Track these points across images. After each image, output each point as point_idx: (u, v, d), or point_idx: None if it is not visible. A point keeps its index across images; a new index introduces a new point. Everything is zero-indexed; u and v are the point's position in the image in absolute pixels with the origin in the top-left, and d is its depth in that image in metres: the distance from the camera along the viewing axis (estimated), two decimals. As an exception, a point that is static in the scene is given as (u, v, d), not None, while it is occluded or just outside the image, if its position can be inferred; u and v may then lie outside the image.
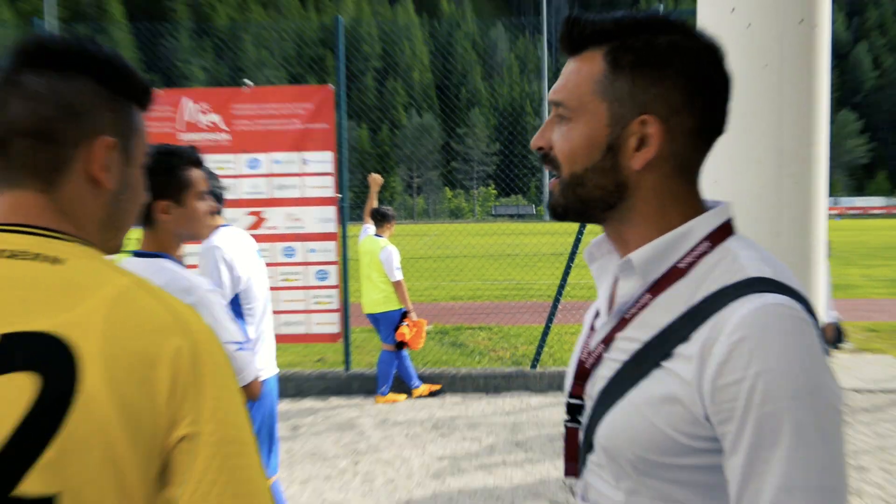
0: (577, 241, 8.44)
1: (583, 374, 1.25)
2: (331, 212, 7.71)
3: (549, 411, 7.45)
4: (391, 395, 7.93)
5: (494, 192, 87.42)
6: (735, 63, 1.18)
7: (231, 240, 3.79)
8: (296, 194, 7.63)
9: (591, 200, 1.18)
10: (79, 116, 1.24)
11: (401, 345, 7.78)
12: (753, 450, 0.98)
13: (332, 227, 7.75)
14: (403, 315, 7.84)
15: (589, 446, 1.22)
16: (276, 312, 5.03)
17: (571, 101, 1.16)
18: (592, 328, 1.30)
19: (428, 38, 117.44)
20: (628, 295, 1.19)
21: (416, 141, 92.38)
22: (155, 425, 1.14)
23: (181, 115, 7.51)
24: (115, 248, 1.39)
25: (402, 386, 8.12)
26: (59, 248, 1.21)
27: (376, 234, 8.01)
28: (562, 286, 8.49)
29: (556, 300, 8.50)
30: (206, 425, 1.16)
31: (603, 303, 1.28)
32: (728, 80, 1.15)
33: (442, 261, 23.28)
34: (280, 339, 5.55)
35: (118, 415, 1.11)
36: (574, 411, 1.29)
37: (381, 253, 7.80)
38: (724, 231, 1.15)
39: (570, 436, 1.30)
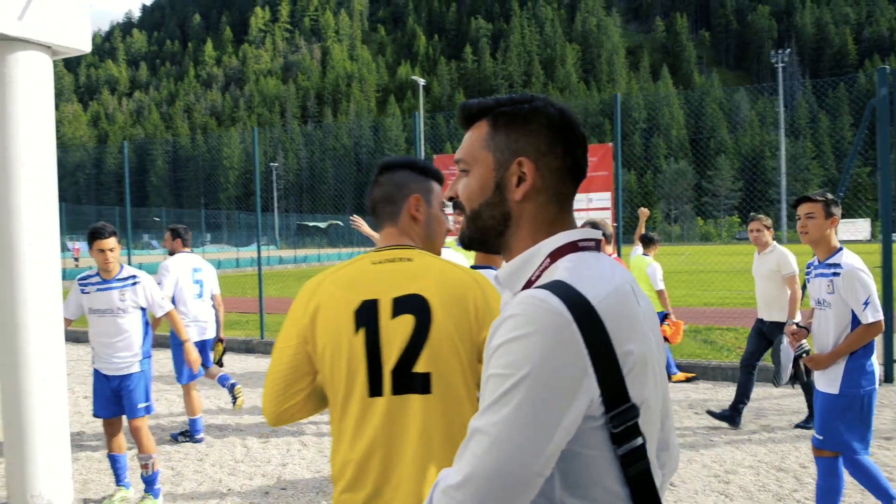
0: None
1: None
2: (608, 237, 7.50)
3: (790, 400, 6.60)
4: (655, 378, 7.48)
5: (738, 220, 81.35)
6: None
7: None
8: (581, 224, 7.52)
9: (487, 229, 1.16)
10: (401, 188, 1.81)
11: (663, 339, 7.32)
12: (483, 396, 0.98)
13: (608, 249, 7.50)
14: (665, 317, 7.38)
15: None
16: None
17: (468, 158, 1.17)
18: None
19: (683, 103, 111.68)
20: (505, 305, 1.14)
21: (673, 182, 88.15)
22: (472, 331, 1.65)
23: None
24: (435, 251, 1.89)
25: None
26: (410, 254, 1.73)
27: (643, 254, 7.63)
28: (801, 296, 7.52)
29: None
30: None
31: None
32: (578, 134, 1.13)
33: (695, 274, 21.85)
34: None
35: (454, 329, 1.63)
36: None
37: (648, 268, 7.41)
38: (566, 249, 1.09)
39: None
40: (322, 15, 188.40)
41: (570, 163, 1.13)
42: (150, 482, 4.40)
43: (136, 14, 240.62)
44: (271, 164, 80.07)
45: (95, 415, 4.38)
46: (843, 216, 9.38)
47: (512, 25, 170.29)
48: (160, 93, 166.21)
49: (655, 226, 72.27)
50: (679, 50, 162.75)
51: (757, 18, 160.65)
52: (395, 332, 1.62)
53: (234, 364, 8.96)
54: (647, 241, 7.69)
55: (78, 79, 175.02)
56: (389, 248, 1.74)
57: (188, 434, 5.79)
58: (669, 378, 7.49)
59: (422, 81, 49.76)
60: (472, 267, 2.70)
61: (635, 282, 1.15)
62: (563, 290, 0.98)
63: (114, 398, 4.40)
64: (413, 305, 1.63)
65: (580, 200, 7.52)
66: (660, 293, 7.37)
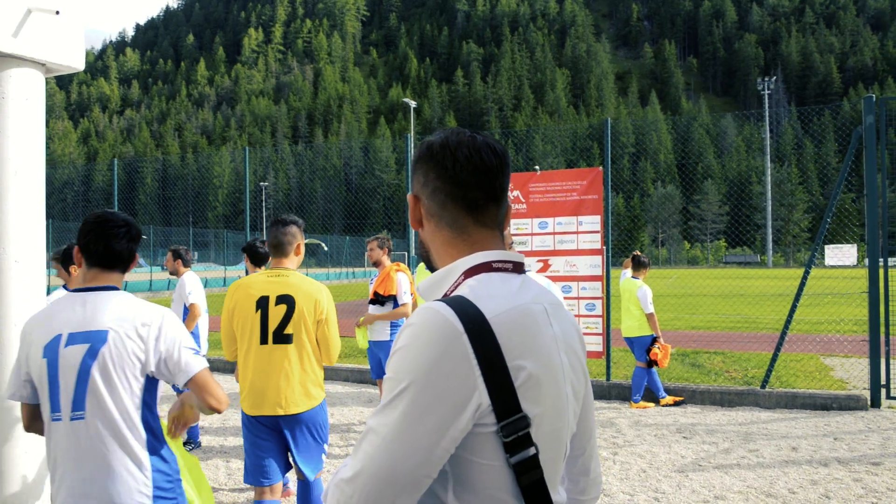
0: (802, 283, 7.48)
1: None
2: (598, 259, 7.52)
3: (778, 425, 6.59)
4: (642, 403, 7.45)
5: (724, 244, 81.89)
6: None
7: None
8: (572, 247, 7.58)
9: (422, 254, 1.26)
10: (291, 238, 3.59)
11: (651, 363, 7.32)
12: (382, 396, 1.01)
13: (598, 270, 7.54)
14: (654, 340, 7.38)
15: None
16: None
17: None
18: None
19: (671, 128, 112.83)
20: None
21: (660, 206, 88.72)
22: (315, 313, 3.41)
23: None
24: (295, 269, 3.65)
25: (651, 396, 7.61)
26: (287, 273, 3.45)
27: (633, 276, 7.65)
28: (788, 320, 7.56)
29: (784, 332, 7.56)
30: (327, 316, 3.44)
31: None
32: (459, 157, 1.16)
33: (682, 298, 21.94)
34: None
35: (307, 309, 3.39)
36: None
37: (639, 291, 7.42)
38: (480, 268, 1.14)
39: None
40: (315, 37, 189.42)
41: (445, 188, 1.17)
42: None
43: (130, 33, 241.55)
44: (261, 183, 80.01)
45: None
46: (830, 242, 9.44)
47: (503, 50, 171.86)
48: (151, 111, 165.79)
49: (642, 249, 72.58)
50: (667, 76, 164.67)
51: (744, 46, 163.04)
52: (277, 313, 3.35)
53: (222, 383, 8.84)
54: (638, 265, 7.70)
55: (69, 96, 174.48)
56: (277, 269, 3.47)
57: (189, 441, 6.03)
58: (657, 402, 7.48)
59: (412, 104, 50.08)
60: None
61: (557, 305, 1.20)
62: (460, 305, 1.03)
63: None
64: (287, 300, 3.36)
65: (570, 224, 7.54)
66: (650, 316, 7.37)
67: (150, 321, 2.13)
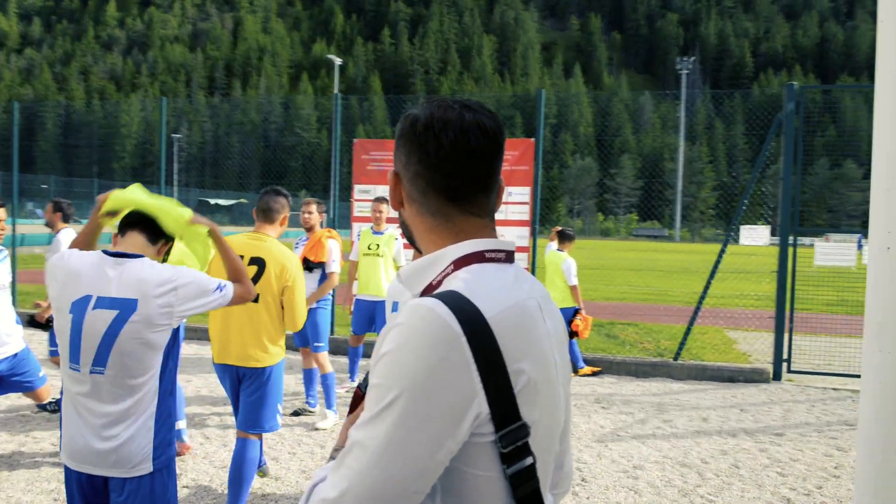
0: (718, 261, 7.76)
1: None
2: (526, 231, 7.57)
3: (689, 396, 6.88)
4: (563, 372, 7.61)
5: (636, 217, 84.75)
6: None
7: None
8: (501, 217, 7.56)
9: (404, 234, 1.18)
10: (281, 206, 3.90)
11: (573, 334, 7.46)
12: (366, 405, 0.94)
13: (525, 242, 7.59)
14: (576, 312, 7.51)
15: None
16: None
17: None
18: None
19: (592, 102, 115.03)
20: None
21: (577, 178, 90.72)
22: (283, 279, 3.65)
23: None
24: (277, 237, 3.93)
25: (570, 366, 7.80)
26: (263, 237, 3.74)
27: (558, 249, 7.74)
28: (703, 296, 7.86)
29: (698, 307, 7.88)
30: (293, 283, 3.65)
31: None
32: (443, 141, 1.04)
33: (597, 270, 22.55)
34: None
35: (275, 273, 3.64)
36: (365, 381, 1.22)
37: (563, 263, 7.52)
38: (472, 258, 1.04)
39: (356, 397, 1.17)
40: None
41: (427, 174, 1.07)
42: None
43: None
44: (174, 135, 76.49)
45: None
46: (745, 223, 9.86)
47: (431, 11, 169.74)
48: (54, 52, 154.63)
49: (558, 220, 74.34)
50: (591, 50, 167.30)
51: (665, 25, 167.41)
52: (249, 272, 3.46)
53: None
54: (564, 237, 7.79)
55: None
56: (258, 233, 3.76)
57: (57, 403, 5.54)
58: (576, 372, 7.66)
59: (338, 60, 48.78)
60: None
61: (547, 298, 1.12)
62: (456, 302, 0.93)
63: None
64: (258, 262, 3.63)
65: (500, 193, 7.55)
66: (573, 288, 7.50)
67: (173, 285, 2.29)
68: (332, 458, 1.08)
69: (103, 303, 2.22)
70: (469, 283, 0.98)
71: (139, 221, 2.43)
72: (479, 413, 0.90)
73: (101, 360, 2.21)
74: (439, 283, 1.04)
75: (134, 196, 2.42)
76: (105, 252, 2.35)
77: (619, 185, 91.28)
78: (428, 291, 1.05)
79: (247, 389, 3.65)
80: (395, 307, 2.66)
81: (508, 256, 1.08)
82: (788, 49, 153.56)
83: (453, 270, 1.03)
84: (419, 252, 1.14)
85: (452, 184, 1.06)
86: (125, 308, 2.21)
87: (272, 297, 3.63)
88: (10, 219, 11.32)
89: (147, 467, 2.29)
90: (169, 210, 2.43)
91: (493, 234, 1.09)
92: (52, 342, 5.57)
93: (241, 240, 3.71)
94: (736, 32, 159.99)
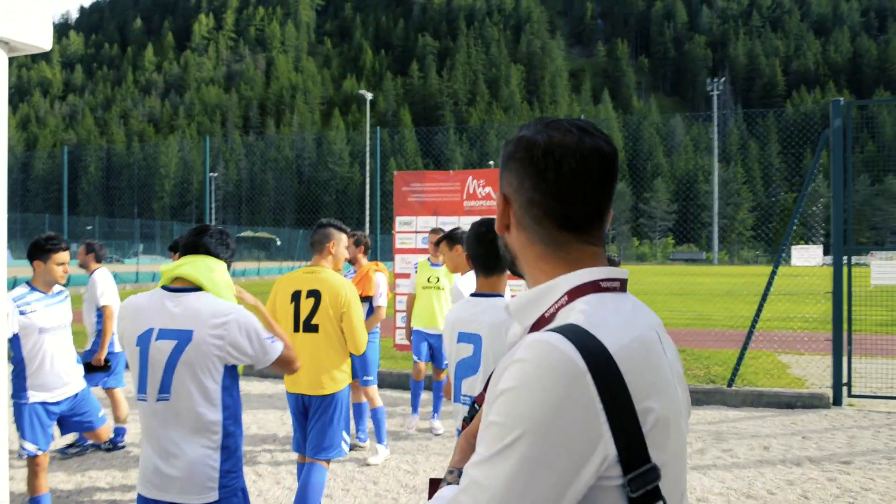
0: (769, 282, 7.56)
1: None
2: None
3: (746, 423, 6.65)
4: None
5: (672, 241, 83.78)
6: None
7: None
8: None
9: (504, 258, 1.13)
10: (326, 237, 4.00)
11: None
12: (481, 441, 0.90)
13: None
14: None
15: None
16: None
17: None
18: None
19: (622, 126, 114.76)
20: (515, 336, 1.07)
21: (612, 203, 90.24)
22: (339, 306, 3.76)
23: (466, 189, 7.56)
24: (336, 269, 4.04)
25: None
26: (319, 269, 3.88)
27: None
28: (755, 319, 7.65)
29: (751, 330, 7.66)
30: (349, 308, 3.77)
31: None
32: (562, 176, 1.00)
33: (637, 295, 22.14)
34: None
35: (331, 301, 3.76)
36: (472, 412, 1.22)
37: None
38: (587, 288, 0.98)
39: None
40: (268, 25, 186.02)
41: (544, 203, 1.02)
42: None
43: (74, 15, 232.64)
44: (210, 174, 78.20)
45: (39, 450, 3.99)
46: (796, 243, 9.62)
47: (458, 44, 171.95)
48: (95, 97, 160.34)
49: (595, 245, 73.42)
50: (619, 75, 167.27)
51: (693, 47, 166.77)
52: (307, 305, 3.78)
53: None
54: (611, 264, 7.67)
55: (8, 80, 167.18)
56: (312, 266, 3.90)
57: (113, 443, 5.67)
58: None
59: (369, 95, 49.50)
60: (473, 295, 2.64)
61: (662, 327, 1.05)
62: (579, 336, 0.88)
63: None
64: (315, 294, 3.78)
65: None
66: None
67: (225, 319, 2.41)
68: (445, 480, 1.05)
69: (164, 334, 2.40)
70: (589, 316, 0.92)
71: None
72: (605, 455, 0.85)
73: (165, 388, 2.39)
74: (552, 315, 0.99)
75: (192, 272, 2.53)
76: (164, 287, 2.52)
77: (653, 209, 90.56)
78: (540, 324, 0.99)
79: (314, 416, 3.81)
80: (461, 337, 2.63)
81: (622, 285, 1.02)
82: (821, 66, 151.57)
83: (567, 301, 0.98)
84: (519, 276, 1.11)
85: (570, 212, 1.01)
86: (182, 338, 2.38)
87: (331, 324, 3.78)
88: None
89: (213, 496, 2.39)
90: (221, 287, 2.56)
91: (605, 263, 1.04)
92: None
93: (298, 274, 3.89)
94: (765, 51, 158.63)
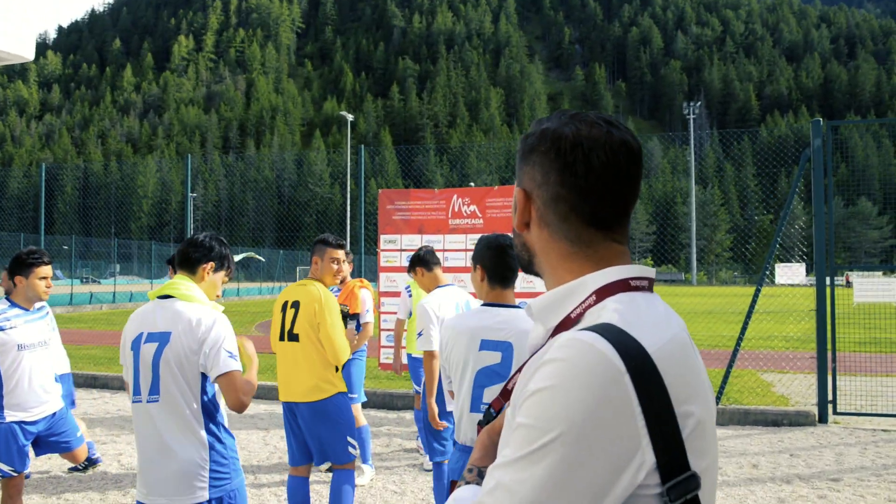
0: (754, 301, 7.60)
1: (505, 394, 1.12)
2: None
3: (734, 441, 6.63)
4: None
5: (651, 262, 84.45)
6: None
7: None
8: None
9: (518, 257, 1.08)
10: (313, 253, 4.19)
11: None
12: (507, 442, 0.85)
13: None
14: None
15: None
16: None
17: None
18: None
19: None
20: (537, 338, 1.01)
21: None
22: (315, 316, 3.79)
23: (451, 207, 7.53)
24: (325, 283, 4.10)
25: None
26: (307, 282, 4.02)
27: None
28: (740, 338, 7.66)
29: (736, 349, 7.67)
30: (323, 319, 3.76)
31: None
32: (592, 170, 0.95)
33: (619, 314, 22.29)
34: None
35: (307, 312, 3.81)
36: (487, 417, 1.16)
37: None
38: (616, 287, 0.93)
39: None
40: (248, 47, 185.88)
41: (571, 198, 0.96)
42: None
43: (52, 35, 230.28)
44: (190, 194, 77.60)
45: (14, 471, 3.83)
46: (780, 260, 9.69)
47: (438, 67, 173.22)
48: (73, 117, 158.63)
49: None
50: (597, 98, 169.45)
51: (669, 72, 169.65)
52: (290, 315, 3.88)
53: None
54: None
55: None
56: (306, 279, 4.03)
57: (90, 460, 5.42)
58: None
59: (350, 117, 49.67)
60: (487, 305, 2.74)
61: (686, 330, 0.98)
62: (615, 335, 0.83)
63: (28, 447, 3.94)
64: (295, 304, 3.87)
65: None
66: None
67: (199, 320, 2.56)
68: (463, 478, 1.02)
69: (150, 337, 2.58)
70: (624, 315, 0.87)
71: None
72: (643, 462, 0.80)
73: (154, 388, 2.53)
74: (579, 315, 0.93)
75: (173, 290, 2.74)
76: (159, 297, 2.72)
77: (632, 230, 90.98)
78: (566, 325, 0.94)
79: (305, 424, 3.88)
80: (485, 344, 2.62)
81: (650, 285, 0.97)
82: (793, 91, 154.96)
83: (596, 301, 0.93)
84: (534, 275, 1.05)
85: (598, 208, 0.96)
86: (162, 339, 2.55)
87: (312, 333, 3.85)
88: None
89: (203, 495, 2.49)
90: (196, 297, 2.73)
91: (631, 261, 0.99)
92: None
93: (292, 287, 4.06)
94: (739, 76, 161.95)
